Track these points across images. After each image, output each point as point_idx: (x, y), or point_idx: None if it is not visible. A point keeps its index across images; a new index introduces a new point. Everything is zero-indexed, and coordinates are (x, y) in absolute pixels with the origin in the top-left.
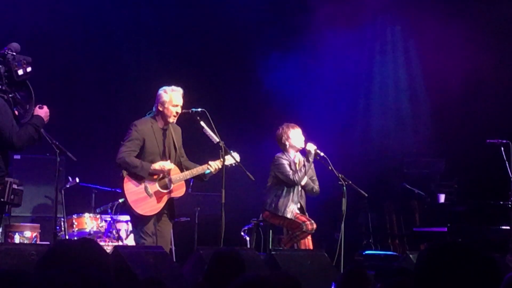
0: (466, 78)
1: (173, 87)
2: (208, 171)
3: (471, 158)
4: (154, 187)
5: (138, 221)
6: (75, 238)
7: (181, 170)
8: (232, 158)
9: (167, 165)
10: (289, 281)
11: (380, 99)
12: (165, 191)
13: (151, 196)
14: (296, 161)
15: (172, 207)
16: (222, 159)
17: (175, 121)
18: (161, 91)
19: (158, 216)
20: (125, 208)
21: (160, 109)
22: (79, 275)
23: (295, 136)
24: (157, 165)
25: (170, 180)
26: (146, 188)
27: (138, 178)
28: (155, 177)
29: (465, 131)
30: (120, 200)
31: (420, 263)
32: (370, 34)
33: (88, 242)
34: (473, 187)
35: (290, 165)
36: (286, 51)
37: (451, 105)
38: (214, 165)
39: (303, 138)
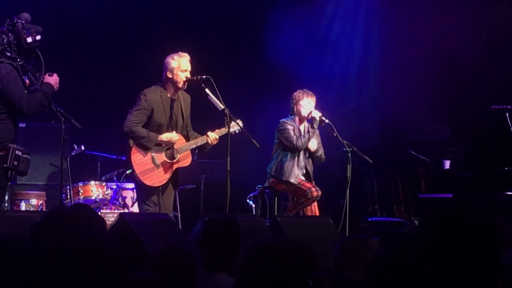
0: (472, 44)
1: (180, 53)
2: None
3: (476, 124)
4: (161, 157)
5: (144, 191)
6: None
7: (187, 140)
8: (236, 125)
9: (174, 136)
10: (301, 249)
11: (386, 64)
12: (171, 161)
13: (158, 167)
14: (301, 128)
15: (176, 176)
16: (227, 126)
17: (185, 87)
18: (168, 58)
19: (163, 185)
20: (132, 178)
21: (169, 76)
22: (75, 239)
23: (305, 104)
24: (164, 136)
25: (176, 150)
26: (153, 159)
27: (145, 148)
28: (162, 147)
29: (470, 97)
30: (128, 172)
31: (422, 226)
32: None
33: (81, 207)
34: (479, 153)
35: (294, 131)
36: (292, 13)
37: (457, 71)
38: (211, 136)
39: (312, 108)
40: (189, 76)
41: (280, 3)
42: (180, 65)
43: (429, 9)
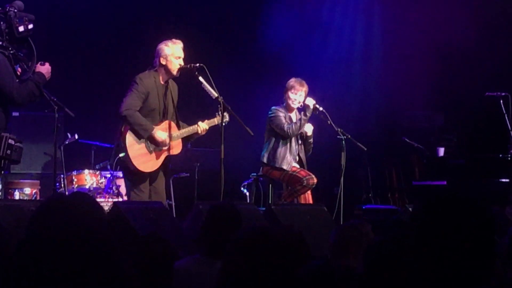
0: (466, 31)
1: (174, 40)
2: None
3: (470, 112)
4: (154, 144)
5: (134, 178)
6: None
7: (179, 128)
8: (224, 117)
9: (166, 140)
10: (293, 236)
11: (380, 51)
12: (164, 148)
13: (151, 153)
14: (293, 116)
15: (166, 164)
16: (220, 115)
17: (178, 75)
18: (162, 45)
19: (154, 173)
20: (122, 163)
21: (163, 62)
22: (72, 228)
23: (294, 96)
24: (158, 135)
25: (171, 137)
26: (146, 144)
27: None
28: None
29: (464, 84)
30: (121, 155)
31: (417, 212)
32: None
33: (81, 195)
34: (473, 140)
35: (285, 118)
36: (286, 8)
37: (451, 58)
38: (202, 126)
39: (301, 99)
40: (182, 63)
41: None
42: (174, 52)
43: None
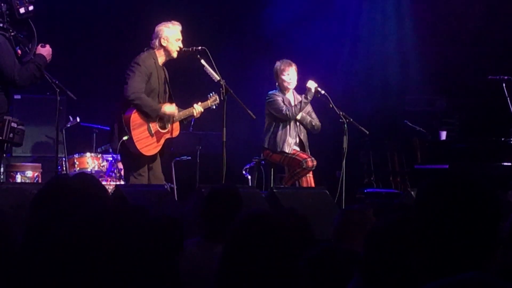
0: (469, 14)
1: (173, 22)
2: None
3: (472, 95)
4: (155, 126)
5: (133, 161)
6: None
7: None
8: (215, 100)
9: (175, 111)
10: (297, 220)
11: (382, 34)
12: (163, 131)
13: (153, 136)
14: (290, 97)
15: (163, 148)
16: (223, 97)
17: (176, 56)
18: (161, 26)
19: (152, 156)
20: (123, 146)
21: (164, 44)
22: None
23: (286, 73)
24: (167, 109)
25: (170, 119)
26: (148, 128)
27: (143, 117)
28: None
29: (466, 68)
30: (124, 138)
31: (420, 196)
32: None
33: (86, 176)
34: (475, 124)
35: (283, 101)
36: None
37: (453, 41)
38: (197, 109)
39: (295, 77)
40: (181, 46)
41: None
42: (175, 33)
43: None
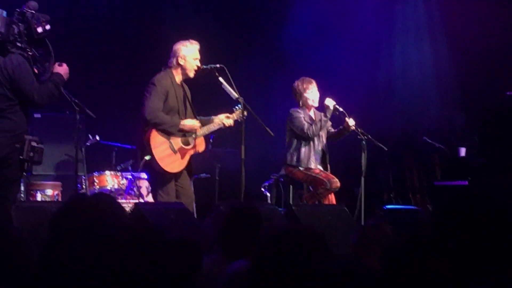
0: (489, 31)
1: (192, 41)
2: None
3: (491, 111)
4: (178, 143)
5: (160, 179)
6: None
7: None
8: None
9: (196, 123)
10: (314, 236)
11: (401, 50)
12: (188, 147)
13: (176, 153)
14: (312, 114)
15: (190, 164)
16: (242, 115)
17: (193, 76)
18: (179, 45)
19: (179, 174)
20: (148, 165)
21: (181, 63)
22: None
23: (309, 95)
24: (188, 123)
25: (191, 136)
26: (171, 145)
27: (163, 134)
28: (178, 133)
29: (485, 84)
30: (147, 157)
31: (436, 213)
32: None
33: (103, 196)
34: (494, 140)
35: (304, 118)
36: (302, 3)
37: (472, 58)
38: (227, 122)
39: (317, 94)
40: (199, 65)
41: None
42: (192, 52)
43: None
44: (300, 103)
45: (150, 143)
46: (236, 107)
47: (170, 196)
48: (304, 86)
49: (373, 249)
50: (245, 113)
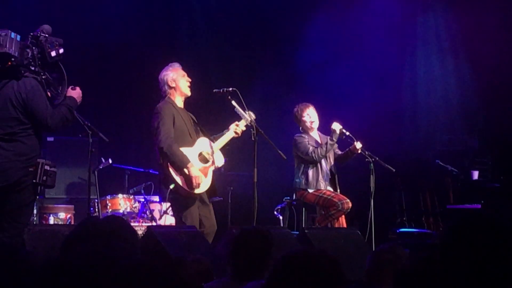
0: (502, 54)
1: (171, 64)
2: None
3: (504, 134)
4: (197, 163)
5: (184, 204)
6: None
7: (213, 141)
8: (250, 115)
9: (200, 178)
10: (328, 260)
11: (411, 74)
12: (207, 164)
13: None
14: (315, 136)
15: (212, 182)
16: (253, 138)
17: (189, 93)
18: (163, 73)
19: (201, 199)
20: (173, 195)
21: (173, 85)
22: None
23: (305, 114)
24: (193, 172)
25: (207, 154)
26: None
27: None
28: (194, 154)
29: (498, 107)
30: (171, 186)
31: (445, 237)
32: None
33: (115, 218)
34: (507, 163)
35: (308, 142)
36: (315, 22)
37: (485, 81)
38: (238, 130)
39: (315, 115)
40: (189, 80)
41: (304, 11)
42: (178, 72)
43: (465, 16)
44: (301, 128)
45: (170, 171)
46: (245, 113)
47: (195, 220)
48: (300, 111)
49: (387, 274)
50: (253, 115)
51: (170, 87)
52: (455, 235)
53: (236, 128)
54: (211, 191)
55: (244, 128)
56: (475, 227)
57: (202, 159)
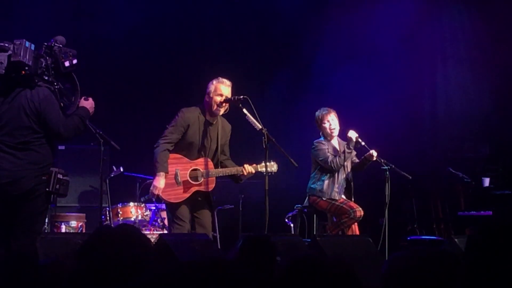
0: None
1: (220, 78)
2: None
3: None
4: (184, 176)
5: (171, 208)
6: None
7: (216, 167)
8: (273, 166)
9: (157, 190)
10: (343, 267)
11: (424, 81)
12: (194, 182)
13: (179, 184)
14: (335, 144)
15: (209, 199)
16: (265, 146)
17: (221, 112)
18: (209, 83)
19: (194, 205)
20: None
21: (207, 99)
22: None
23: (326, 121)
24: (157, 182)
25: (202, 173)
26: (176, 175)
27: (174, 162)
28: (189, 165)
29: (509, 114)
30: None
31: (472, 241)
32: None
33: (128, 227)
34: None
35: (328, 150)
36: (327, 28)
37: (497, 89)
38: (248, 169)
39: (336, 122)
40: (221, 99)
41: (315, 20)
42: (217, 89)
43: (480, 20)
44: (321, 133)
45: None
46: (269, 162)
47: (183, 228)
48: (321, 116)
49: (404, 281)
50: (275, 167)
51: (205, 99)
52: (485, 241)
53: (247, 168)
54: (208, 206)
55: (253, 172)
56: (501, 234)
57: (193, 176)
